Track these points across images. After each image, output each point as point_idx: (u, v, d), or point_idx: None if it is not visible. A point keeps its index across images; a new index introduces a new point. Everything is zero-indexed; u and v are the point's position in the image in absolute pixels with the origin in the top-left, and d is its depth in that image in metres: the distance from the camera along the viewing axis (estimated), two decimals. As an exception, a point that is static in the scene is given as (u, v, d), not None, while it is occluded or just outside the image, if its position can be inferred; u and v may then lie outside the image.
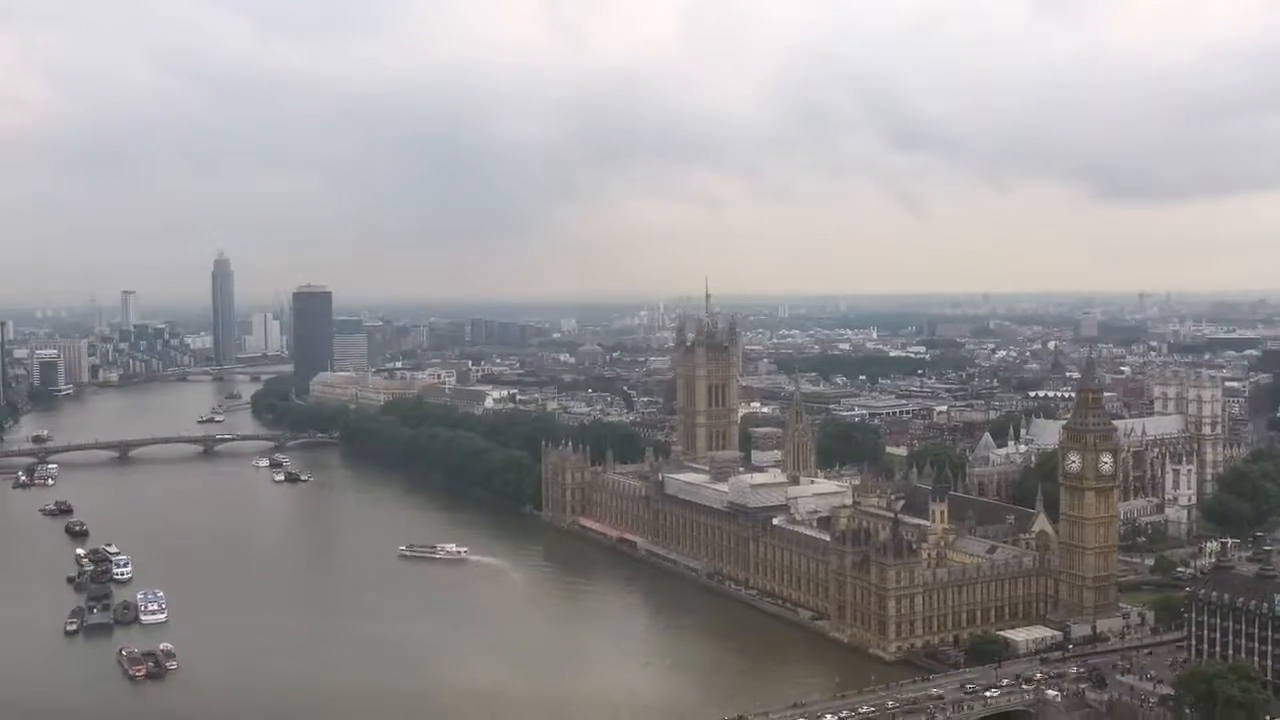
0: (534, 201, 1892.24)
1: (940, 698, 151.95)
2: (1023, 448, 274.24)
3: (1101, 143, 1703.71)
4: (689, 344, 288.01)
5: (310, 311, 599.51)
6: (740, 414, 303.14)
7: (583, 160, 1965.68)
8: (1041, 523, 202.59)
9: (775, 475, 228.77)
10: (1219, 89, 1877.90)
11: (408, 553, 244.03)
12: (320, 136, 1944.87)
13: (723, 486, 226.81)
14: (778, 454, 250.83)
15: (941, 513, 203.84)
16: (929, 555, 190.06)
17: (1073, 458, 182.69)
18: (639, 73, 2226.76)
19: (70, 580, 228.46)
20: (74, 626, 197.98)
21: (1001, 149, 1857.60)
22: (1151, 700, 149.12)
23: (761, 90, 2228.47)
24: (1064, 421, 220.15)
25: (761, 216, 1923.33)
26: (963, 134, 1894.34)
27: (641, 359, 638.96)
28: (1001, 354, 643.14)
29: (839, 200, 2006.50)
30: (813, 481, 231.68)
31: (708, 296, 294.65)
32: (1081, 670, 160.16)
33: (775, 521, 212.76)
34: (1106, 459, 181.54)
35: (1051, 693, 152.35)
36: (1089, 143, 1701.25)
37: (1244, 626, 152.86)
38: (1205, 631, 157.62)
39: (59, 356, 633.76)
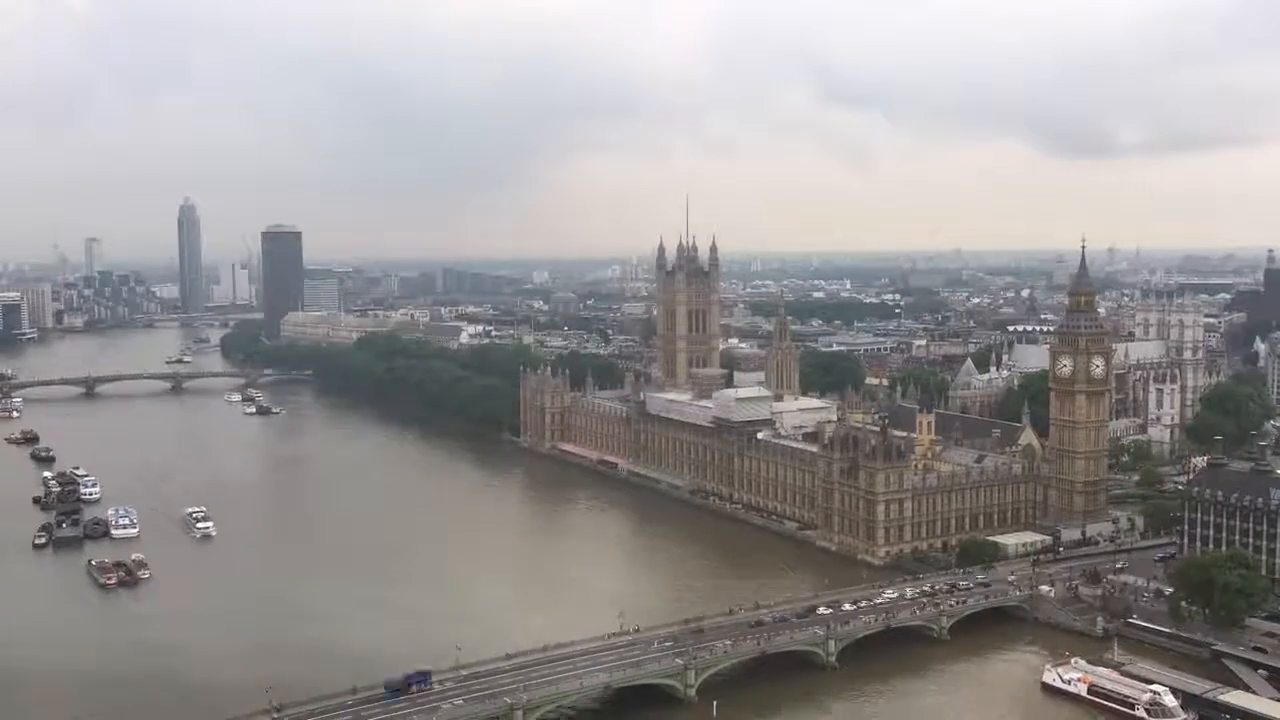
0: (488, 158, 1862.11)
1: (933, 593, 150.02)
2: (1004, 372, 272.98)
3: (1043, 98, 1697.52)
4: (669, 269, 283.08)
5: (280, 254, 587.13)
6: (719, 348, 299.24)
7: (531, 117, 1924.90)
8: (1028, 436, 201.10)
9: (760, 390, 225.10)
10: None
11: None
12: (271, 82, 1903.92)
13: (706, 403, 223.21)
14: (760, 375, 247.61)
15: (928, 424, 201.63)
16: (916, 465, 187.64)
17: (1064, 361, 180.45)
18: (575, 30, 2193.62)
19: (37, 500, 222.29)
20: (42, 540, 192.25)
21: (945, 106, 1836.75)
22: (1146, 595, 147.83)
23: (696, 48, 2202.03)
24: (1048, 345, 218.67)
25: (713, 175, 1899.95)
26: (901, 91, 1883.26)
27: (616, 306, 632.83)
28: (976, 300, 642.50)
29: (787, 157, 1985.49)
30: (796, 399, 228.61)
31: (688, 221, 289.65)
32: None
33: (760, 436, 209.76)
34: (1098, 362, 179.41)
35: (1044, 588, 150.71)
36: (1030, 97, 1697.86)
37: (1238, 522, 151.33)
38: (1199, 529, 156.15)
39: (22, 300, 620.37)
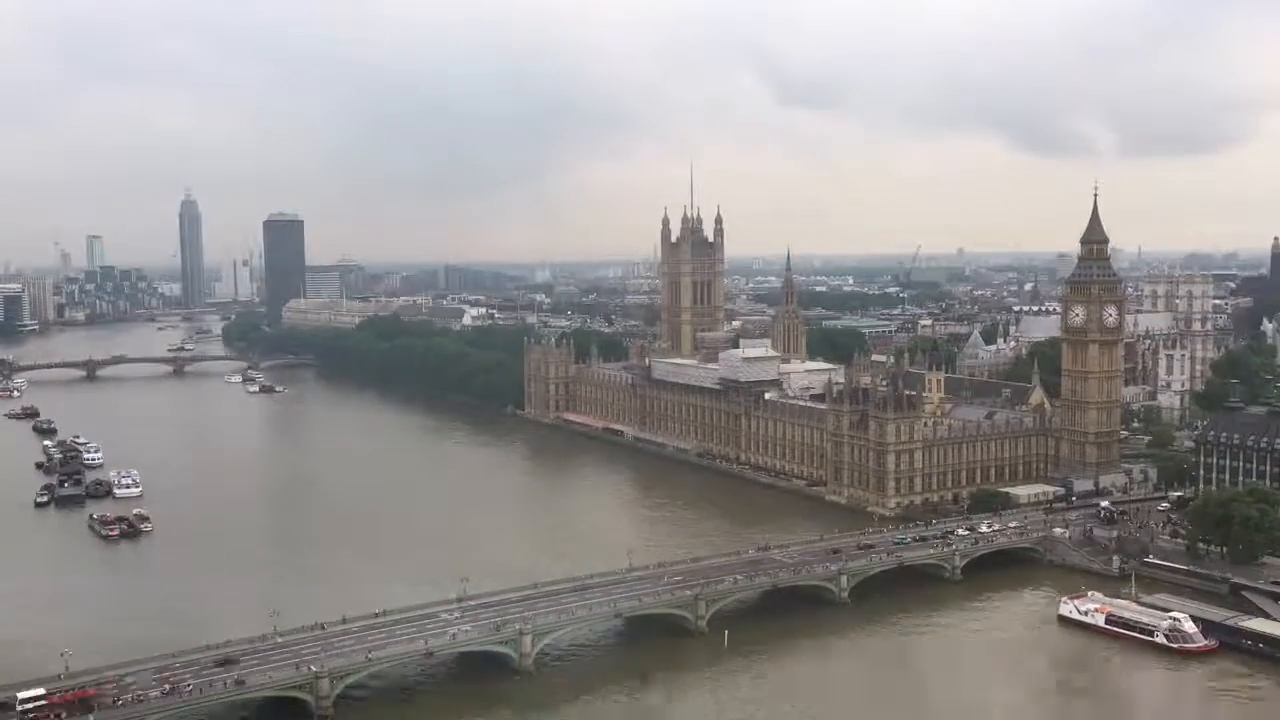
0: (489, 159, 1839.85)
1: (947, 535, 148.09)
2: (1012, 343, 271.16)
3: (1043, 97, 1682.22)
4: (674, 240, 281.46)
5: (282, 244, 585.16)
6: (725, 323, 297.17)
7: (531, 117, 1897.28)
8: (1038, 396, 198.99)
9: (767, 351, 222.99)
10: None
11: None
12: (271, 82, 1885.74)
13: (713, 366, 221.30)
14: (768, 341, 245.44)
15: (938, 382, 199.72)
16: (926, 421, 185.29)
17: (1076, 310, 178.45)
18: (576, 31, 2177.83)
19: (39, 466, 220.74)
20: (44, 499, 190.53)
21: (938, 103, 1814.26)
22: (1162, 535, 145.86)
23: (664, 57, 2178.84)
24: (1056, 314, 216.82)
25: (712, 176, 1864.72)
26: (866, 93, 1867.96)
27: (618, 298, 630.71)
28: (980, 293, 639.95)
29: (786, 159, 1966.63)
30: (803, 362, 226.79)
31: (692, 192, 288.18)
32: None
33: (767, 396, 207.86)
34: (1111, 311, 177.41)
35: (1059, 530, 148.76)
36: (1027, 96, 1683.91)
37: (1254, 464, 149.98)
38: (1214, 474, 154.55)
39: (23, 291, 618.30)
